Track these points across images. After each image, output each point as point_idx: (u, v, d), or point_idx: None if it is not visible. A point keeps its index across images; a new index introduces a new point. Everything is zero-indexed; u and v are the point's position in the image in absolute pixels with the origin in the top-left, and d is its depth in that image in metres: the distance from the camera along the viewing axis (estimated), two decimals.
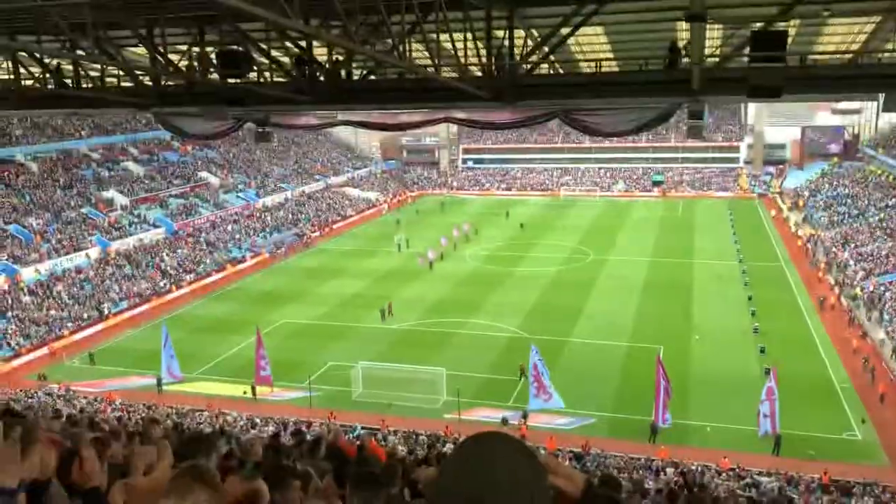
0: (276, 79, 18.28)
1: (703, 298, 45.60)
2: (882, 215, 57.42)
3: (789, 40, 14.01)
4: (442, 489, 1.31)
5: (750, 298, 44.64)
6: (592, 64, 19.11)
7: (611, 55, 20.86)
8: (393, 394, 31.70)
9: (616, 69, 19.62)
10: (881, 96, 15.86)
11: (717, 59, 13.68)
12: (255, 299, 48.45)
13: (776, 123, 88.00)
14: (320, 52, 17.29)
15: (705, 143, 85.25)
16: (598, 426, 29.71)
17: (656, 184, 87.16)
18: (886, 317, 39.57)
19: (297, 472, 4.43)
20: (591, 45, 20.32)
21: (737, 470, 25.27)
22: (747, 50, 11.42)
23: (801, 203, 71.51)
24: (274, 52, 17.76)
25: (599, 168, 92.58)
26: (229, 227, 62.94)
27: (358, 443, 11.36)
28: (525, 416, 29.71)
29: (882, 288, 43.52)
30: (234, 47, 16.03)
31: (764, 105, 76.85)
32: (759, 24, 12.24)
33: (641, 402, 29.05)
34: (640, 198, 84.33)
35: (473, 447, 1.36)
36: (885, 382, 32.45)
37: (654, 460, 25.85)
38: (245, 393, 33.12)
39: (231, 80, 16.21)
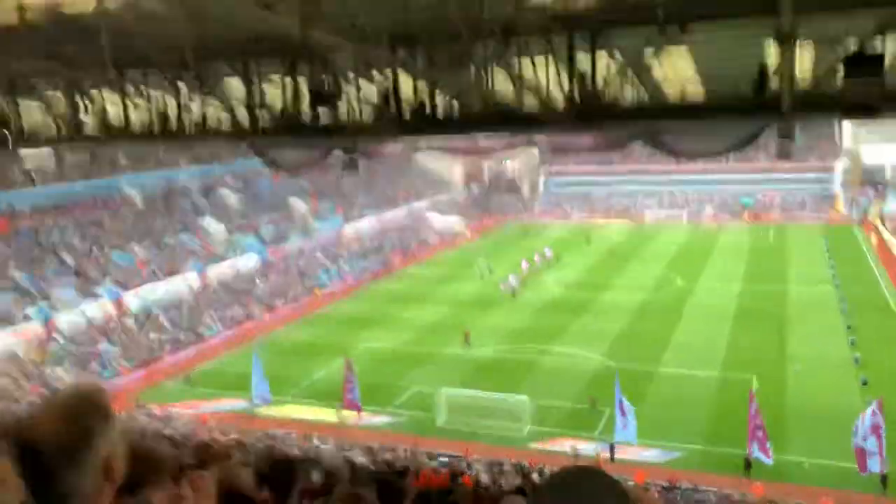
0: (363, 113, 18.89)
1: (797, 328, 43.62)
2: None
3: (887, 62, 13.49)
4: None
5: (849, 328, 42.39)
6: (678, 88, 18.88)
7: (697, 78, 20.53)
8: (476, 421, 31.63)
9: (702, 91, 19.28)
10: None
11: (808, 80, 13.29)
12: (342, 324, 49.47)
13: (874, 142, 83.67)
14: (405, 88, 17.75)
15: (797, 165, 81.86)
16: (688, 460, 28.71)
17: (745, 207, 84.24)
18: None
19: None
20: (676, 70, 20.06)
21: None
22: (840, 71, 11.08)
23: None
24: (363, 87, 18.38)
25: (686, 190, 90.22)
26: (318, 254, 64.67)
27: (444, 471, 11.42)
28: (612, 449, 29.05)
29: None
30: (324, 80, 16.72)
31: (861, 124, 73.33)
32: (853, 42, 11.86)
33: (733, 436, 27.95)
34: (728, 222, 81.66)
35: (565, 480, 1.38)
36: None
37: (746, 496, 24.78)
38: (337, 416, 33.64)
39: (321, 112, 16.90)
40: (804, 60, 16.79)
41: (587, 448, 29.78)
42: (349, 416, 33.45)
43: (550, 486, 1.37)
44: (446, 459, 26.41)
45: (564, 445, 29.78)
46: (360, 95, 17.94)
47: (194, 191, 66.79)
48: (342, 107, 17.60)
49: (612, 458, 28.85)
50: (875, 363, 36.67)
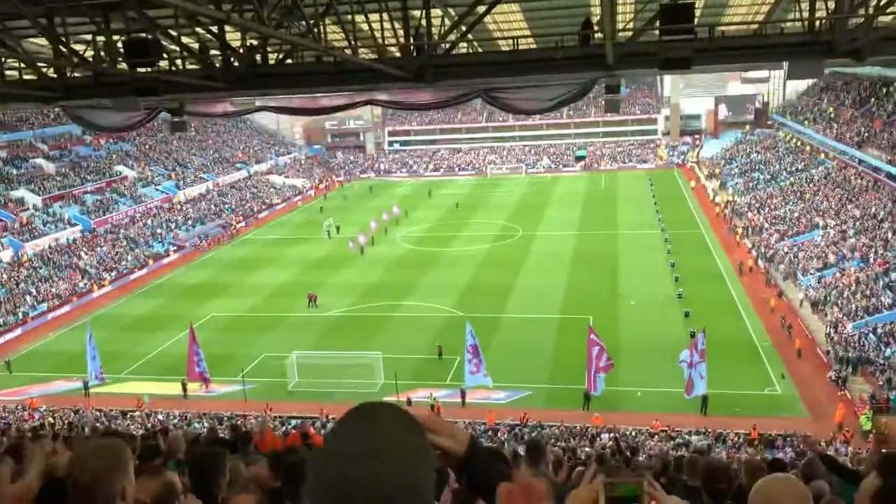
0: (188, 66, 17.71)
1: (628, 268, 46.89)
2: (793, 179, 60.07)
3: (697, 12, 14.44)
4: (321, 461, 1.30)
5: (673, 265, 46.15)
6: (510, 42, 19.21)
7: (528, 33, 21.03)
8: (330, 381, 31.51)
9: (534, 46, 19.78)
10: (786, 65, 16.51)
11: (629, 34, 13.95)
12: (182, 294, 47.21)
13: (691, 95, 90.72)
14: (233, 38, 16.84)
15: (624, 117, 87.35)
16: (534, 398, 30.32)
17: (579, 158, 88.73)
18: (800, 275, 41.58)
19: (220, 463, 4.36)
20: (509, 24, 20.43)
21: (668, 431, 26.26)
22: (658, 24, 11.70)
23: (717, 171, 74.10)
24: (185, 39, 17.20)
25: (524, 146, 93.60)
26: (149, 222, 60.98)
27: (294, 432, 11.26)
28: (463, 394, 30.05)
29: (795, 248, 45.67)
30: (142, 35, 15.45)
31: (679, 77, 79.00)
32: None
33: (575, 373, 29.69)
34: (564, 173, 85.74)
35: (352, 417, 1.35)
36: (802, 339, 34.14)
37: (588, 427, 26.59)
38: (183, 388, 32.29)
39: (140, 70, 15.64)
40: (626, 14, 17.66)
41: (440, 395, 30.62)
42: (193, 388, 32.20)
43: (339, 424, 1.34)
44: (297, 422, 26.12)
45: (418, 395, 30.39)
46: (183, 51, 16.79)
47: (2, 160, 60.42)
48: (164, 64, 16.42)
49: (463, 403, 29.92)
50: (695, 296, 40.21)
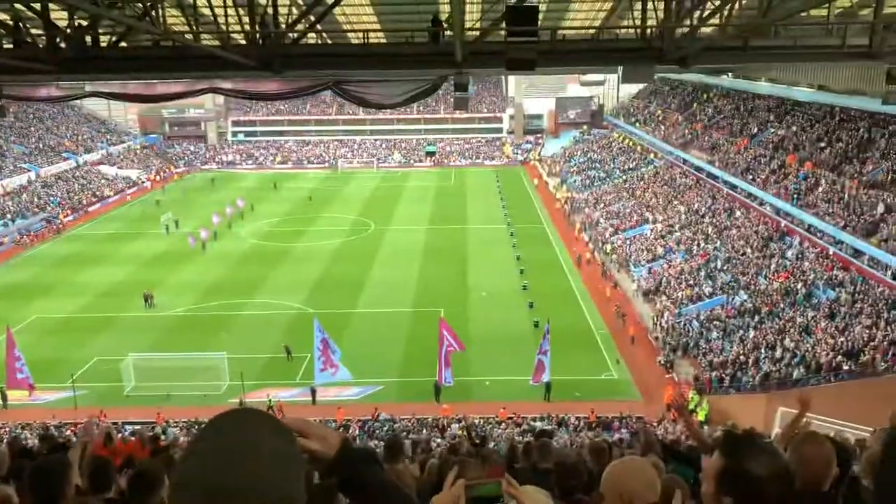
0: (5, 45, 16.08)
1: (477, 261, 48.16)
2: (625, 177, 64.22)
3: (541, 16, 14.99)
4: (186, 469, 1.23)
5: (518, 258, 47.93)
6: (360, 35, 19.07)
7: (378, 27, 20.98)
8: (171, 384, 29.92)
9: (384, 41, 19.76)
10: (620, 69, 17.54)
11: (477, 33, 14.26)
12: (1, 294, 42.95)
13: (534, 95, 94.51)
14: (60, 17, 15.47)
15: (472, 115, 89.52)
16: (386, 392, 30.39)
17: (429, 154, 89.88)
18: (633, 267, 44.59)
19: (64, 473, 4.00)
20: (359, 17, 20.29)
21: (514, 418, 27.25)
22: (504, 24, 12.02)
23: (557, 169, 77.76)
24: (0, 16, 15.63)
25: (375, 140, 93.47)
26: None
27: (132, 439, 10.53)
28: (314, 392, 29.56)
29: (628, 242, 48.91)
30: None
31: (523, 77, 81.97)
32: None
33: (426, 365, 30.07)
34: (415, 168, 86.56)
35: (218, 423, 1.29)
36: (634, 326, 36.63)
37: (439, 419, 27.04)
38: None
39: None
40: (474, 14, 18.04)
41: (288, 395, 29.95)
42: (17, 396, 29.44)
43: (201, 432, 1.29)
44: (135, 428, 24.60)
45: (264, 396, 29.54)
46: (1, 28, 15.22)
47: None
48: None
49: (313, 402, 29.43)
50: (537, 287, 41.98)
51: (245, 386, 29.18)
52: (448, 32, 14.12)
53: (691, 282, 39.36)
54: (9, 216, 57.77)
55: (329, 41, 20.35)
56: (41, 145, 74.25)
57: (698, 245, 43.70)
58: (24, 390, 29.08)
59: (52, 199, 63.93)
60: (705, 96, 64.20)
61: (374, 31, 19.64)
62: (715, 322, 34.34)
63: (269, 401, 28.64)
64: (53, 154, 73.68)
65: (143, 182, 76.60)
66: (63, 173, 70.66)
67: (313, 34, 17.58)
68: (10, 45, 15.72)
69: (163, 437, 21.90)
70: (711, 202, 48.81)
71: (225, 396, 29.61)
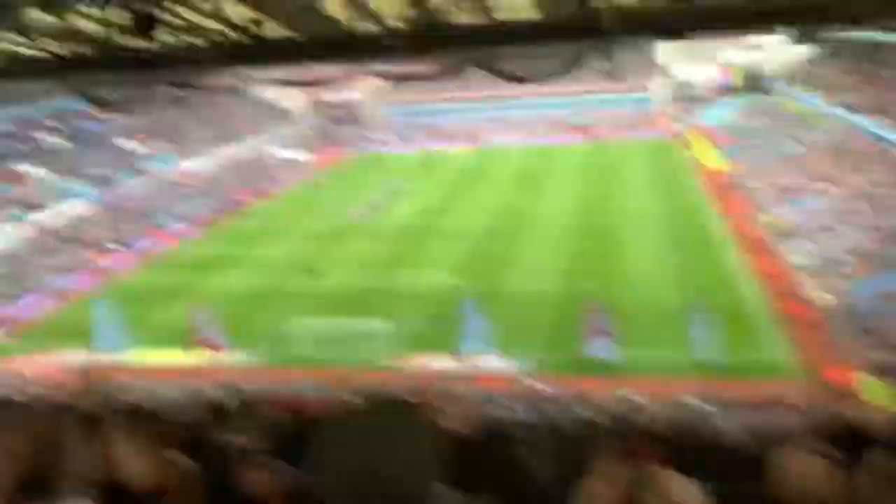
0: (189, 40, 17.89)
1: (630, 238, 47.13)
2: (795, 146, 59.95)
3: None
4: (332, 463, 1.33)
5: (674, 235, 46.38)
6: (510, 12, 19.34)
7: (527, 3, 21.09)
8: (333, 349, 32.05)
9: (531, 16, 19.90)
10: (785, 32, 16.65)
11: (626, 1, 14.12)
12: (188, 267, 47.64)
13: (689, 62, 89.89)
14: (234, 11, 16.97)
15: (620, 85, 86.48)
16: (538, 365, 30.78)
17: (580, 127, 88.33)
18: (802, 242, 41.82)
19: None
20: None
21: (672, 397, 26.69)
22: None
23: (717, 140, 73.84)
24: (186, 14, 17.36)
25: (525, 115, 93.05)
26: (154, 195, 61.21)
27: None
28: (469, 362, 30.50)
29: (799, 216, 45.78)
30: (142, 7, 15.63)
31: (677, 44, 78.32)
32: None
33: (578, 341, 30.09)
34: (565, 143, 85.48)
35: (369, 415, 1.40)
36: (803, 306, 34.47)
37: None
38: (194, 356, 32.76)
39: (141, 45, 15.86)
40: None
41: (443, 363, 31.13)
42: (207, 355, 32.72)
43: (353, 424, 1.37)
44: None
45: (420, 362, 30.89)
46: (182, 24, 16.95)
47: (8, 135, 60.60)
48: (165, 37, 16.60)
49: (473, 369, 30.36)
50: (694, 265, 40.54)
51: (401, 353, 30.68)
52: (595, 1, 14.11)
53: (869, 257, 36.39)
54: (192, 196, 63.54)
55: (478, 21, 20.77)
56: (220, 131, 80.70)
57: (878, 218, 40.21)
58: (213, 350, 32.20)
59: (229, 179, 69.47)
60: (879, 56, 58.37)
61: (523, 6, 19.80)
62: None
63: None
64: (232, 138, 79.83)
65: (308, 163, 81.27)
66: (238, 155, 76.50)
67: (464, 13, 18.07)
68: (194, 40, 17.51)
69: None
70: (894, 173, 44.63)
71: (384, 361, 31.35)
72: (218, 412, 8.95)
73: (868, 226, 39.90)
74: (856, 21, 14.49)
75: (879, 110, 51.23)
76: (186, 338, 33.34)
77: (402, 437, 1.34)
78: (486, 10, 20.81)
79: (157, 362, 33.04)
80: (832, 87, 62.73)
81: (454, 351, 31.88)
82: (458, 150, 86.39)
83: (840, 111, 57.07)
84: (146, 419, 7.77)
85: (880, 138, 49.09)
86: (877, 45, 58.82)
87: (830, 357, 30.12)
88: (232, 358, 33.08)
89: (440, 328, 34.19)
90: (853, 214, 42.14)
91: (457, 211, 57.80)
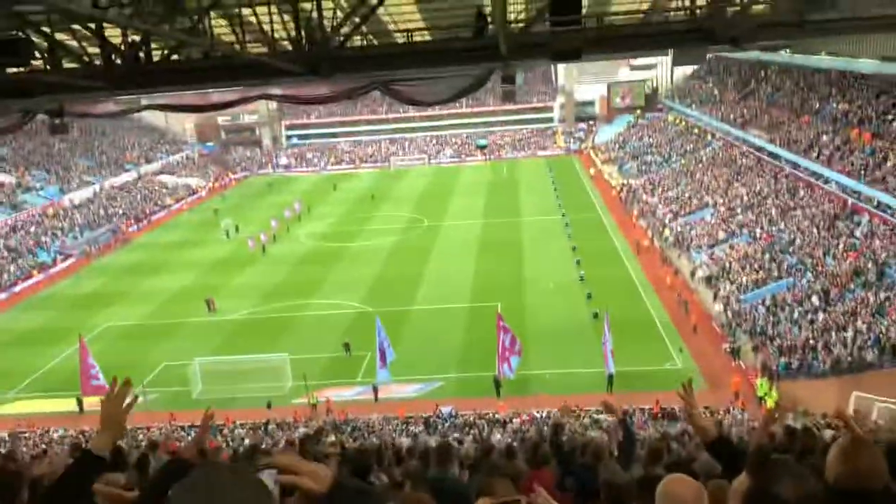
0: (66, 65, 16.60)
1: (532, 253, 47.81)
2: (683, 160, 62.75)
3: (585, 2, 14.65)
4: None
5: (574, 249, 47.35)
6: (405, 35, 19.03)
7: (422, 25, 20.92)
8: (235, 387, 30.60)
9: (428, 38, 19.71)
10: (671, 51, 17.10)
11: (520, 25, 14.07)
12: (72, 305, 44.65)
13: (584, 81, 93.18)
14: (114, 34, 15.88)
15: (521, 106, 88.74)
16: (446, 389, 30.45)
17: (480, 148, 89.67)
18: (694, 253, 43.54)
19: None
20: (403, 16, 20.25)
21: (577, 411, 26.90)
22: (548, 15, 11.80)
23: (611, 156, 76.54)
24: (60, 36, 16.13)
25: (426, 136, 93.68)
26: (32, 230, 57.34)
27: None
28: (376, 390, 29.83)
29: (688, 227, 47.77)
30: (12, 33, 14.39)
31: (572, 64, 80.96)
32: None
33: (485, 361, 29.99)
34: (467, 163, 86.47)
35: (193, 484, 1.23)
36: (697, 314, 35.76)
37: (496, 414, 26.94)
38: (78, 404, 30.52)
39: (11, 70, 14.56)
40: (517, 5, 17.81)
41: (350, 394, 30.33)
42: (91, 402, 30.50)
43: (182, 489, 1.24)
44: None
45: (327, 395, 29.98)
46: (57, 48, 15.72)
47: None
48: (39, 63, 15.33)
49: (375, 399, 29.69)
50: (595, 277, 41.39)
51: (308, 386, 29.64)
52: (492, 26, 13.98)
53: (756, 266, 38.20)
54: (77, 228, 59.97)
55: (375, 42, 20.40)
56: (104, 159, 76.89)
57: (762, 227, 42.38)
58: (101, 396, 30.00)
59: (116, 209, 66.08)
60: (763, 73, 62.21)
61: (419, 29, 19.60)
62: (782, 306, 33.25)
63: (314, 399, 29.07)
64: (116, 166, 76.19)
65: (202, 189, 78.52)
66: (125, 184, 73.02)
67: (359, 36, 17.64)
68: (72, 65, 16.25)
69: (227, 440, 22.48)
70: (774, 182, 47.27)
71: (289, 397, 30.19)
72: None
73: (753, 235, 41.96)
74: (735, 41, 14.97)
75: (758, 125, 54.31)
76: (71, 383, 31.06)
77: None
78: (382, 34, 20.50)
79: (38, 411, 30.57)
80: (717, 103, 66.17)
81: (364, 380, 31.18)
82: (360, 171, 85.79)
83: (724, 126, 60.18)
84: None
85: (760, 150, 52.00)
86: (760, 64, 62.62)
87: (726, 362, 31.29)
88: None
89: (348, 356, 33.39)
90: (740, 225, 44.25)
91: (361, 232, 57.06)
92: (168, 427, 27.27)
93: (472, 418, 26.62)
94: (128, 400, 3.14)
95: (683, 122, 71.76)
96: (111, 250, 57.60)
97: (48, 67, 16.37)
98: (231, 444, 21.93)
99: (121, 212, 65.97)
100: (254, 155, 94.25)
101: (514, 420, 25.66)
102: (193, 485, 1.22)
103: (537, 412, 26.76)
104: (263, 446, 12.85)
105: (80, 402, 30.65)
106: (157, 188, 75.22)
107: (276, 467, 1.60)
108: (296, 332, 37.12)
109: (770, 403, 26.68)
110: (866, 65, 45.33)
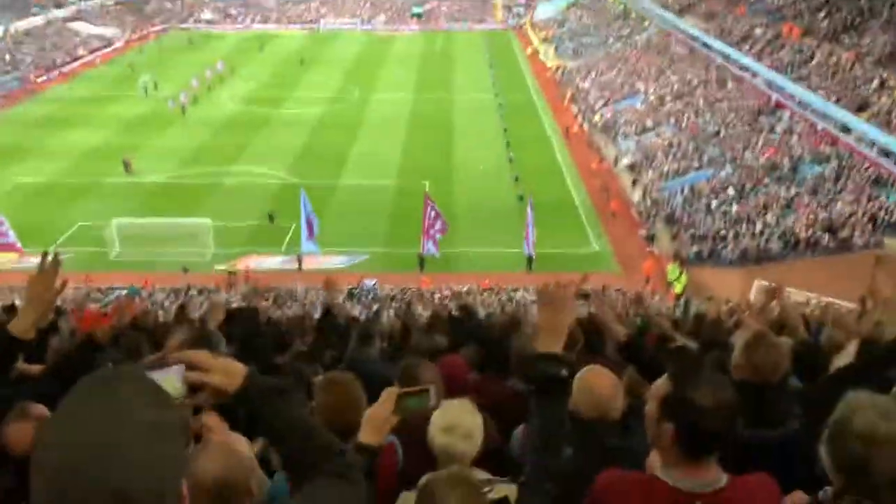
0: None
1: (463, 133, 47.42)
2: (619, 45, 62.27)
3: None
4: (41, 447, 1.08)
5: (505, 130, 47.20)
6: None
7: None
8: (156, 251, 30.02)
9: None
10: None
11: None
12: None
13: None
14: None
15: None
16: (372, 262, 30.73)
17: (416, 16, 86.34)
18: (621, 140, 44.13)
19: None
20: None
21: (495, 289, 27.80)
22: None
23: (549, 34, 75.11)
24: None
25: (360, 0, 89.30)
26: None
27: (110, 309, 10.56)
28: (300, 260, 29.84)
29: (618, 113, 48.11)
30: None
31: None
32: None
33: (411, 236, 30.14)
34: (401, 32, 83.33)
35: (83, 391, 1.13)
36: (617, 200, 36.70)
37: (420, 289, 27.55)
38: None
39: None
40: None
41: (274, 262, 30.27)
42: (5, 259, 29.46)
43: (71, 399, 1.13)
44: (121, 293, 24.92)
45: (249, 263, 29.85)
46: None
47: None
48: None
49: (300, 269, 29.76)
50: (524, 160, 41.65)
51: (229, 254, 29.38)
52: None
53: (679, 155, 39.12)
54: None
55: None
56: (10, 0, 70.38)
57: (688, 118, 43.11)
58: (12, 253, 28.98)
59: (23, 57, 61.38)
60: None
61: None
62: (699, 196, 34.46)
63: (230, 268, 28.87)
64: (22, 8, 69.96)
65: (118, 41, 73.44)
66: (34, 30, 67.48)
67: None
68: None
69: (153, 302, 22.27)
70: (705, 73, 47.70)
71: (210, 264, 29.90)
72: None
73: (680, 125, 42.71)
74: None
75: (695, 13, 54.02)
76: None
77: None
78: None
79: None
80: None
81: (288, 250, 31.07)
82: (289, 31, 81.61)
83: (662, 12, 59.57)
84: None
85: (694, 39, 52.01)
86: None
87: (641, 248, 32.58)
88: (35, 262, 30.04)
89: (271, 228, 33.03)
90: (668, 114, 44.86)
91: (288, 98, 55.05)
92: (84, 288, 26.75)
93: (395, 292, 27.13)
94: (58, 282, 2.91)
95: (622, 5, 70.62)
96: (18, 101, 53.91)
97: None
98: (152, 308, 21.77)
99: (29, 59, 61.29)
100: (174, 7, 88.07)
101: (435, 295, 26.29)
102: (90, 390, 1.12)
103: (459, 287, 27.46)
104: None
105: None
106: (69, 36, 69.84)
107: (185, 363, 1.55)
108: (217, 199, 36.29)
109: (678, 288, 28.15)
110: None
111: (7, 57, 60.17)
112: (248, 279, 28.23)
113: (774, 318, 6.60)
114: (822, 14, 41.12)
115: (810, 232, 28.03)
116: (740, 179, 34.06)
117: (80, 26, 72.92)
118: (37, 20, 69.36)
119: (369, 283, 28.00)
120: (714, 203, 33.41)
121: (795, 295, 20.92)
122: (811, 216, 28.95)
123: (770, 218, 30.33)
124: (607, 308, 4.62)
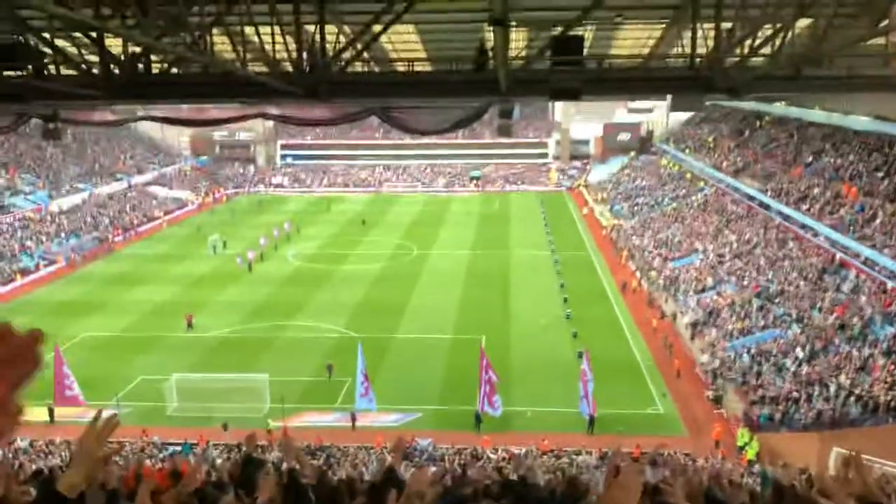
0: (63, 71, 16.50)
1: (519, 288, 47.66)
2: (675, 204, 63.11)
3: (587, 44, 14.79)
4: None
5: (562, 286, 47.29)
6: (406, 64, 19.14)
7: (423, 55, 21.02)
8: (213, 405, 30.07)
9: (429, 69, 19.79)
10: (669, 97, 17.19)
11: (521, 62, 14.11)
12: (51, 312, 43.98)
13: (581, 120, 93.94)
14: (114, 44, 15.82)
15: (517, 140, 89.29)
16: (425, 420, 30.03)
17: (474, 179, 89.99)
18: (681, 297, 43.55)
19: None
20: (405, 45, 20.36)
21: (555, 451, 26.63)
22: (549, 54, 11.84)
23: (603, 195, 76.93)
24: (60, 42, 16.06)
25: (420, 164, 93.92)
26: (18, 234, 56.76)
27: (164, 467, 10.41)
28: (353, 418, 29.41)
29: (676, 271, 47.85)
30: (12, 37, 14.34)
31: (570, 103, 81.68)
32: (559, 28, 12.76)
33: (467, 393, 29.67)
34: (459, 193, 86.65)
35: None
36: (681, 359, 35.64)
37: (476, 449, 26.58)
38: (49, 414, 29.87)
39: (8, 73, 14.44)
40: (519, 42, 17.92)
41: (327, 419, 29.87)
42: (64, 413, 29.88)
43: None
44: (175, 449, 24.74)
45: (304, 420, 29.51)
46: (58, 55, 15.61)
47: None
48: (39, 66, 15.21)
49: (353, 427, 29.25)
50: (581, 316, 41.28)
51: (285, 409, 29.17)
52: (492, 61, 14.01)
53: (742, 314, 38.21)
54: (63, 234, 59.45)
55: (376, 69, 20.44)
56: (96, 166, 76.54)
57: (750, 276, 42.50)
58: (76, 407, 29.37)
59: (104, 218, 65.61)
60: (758, 123, 62.99)
61: (420, 60, 19.68)
62: (766, 356, 33.21)
63: (269, 426, 28.40)
64: (107, 175, 75.82)
65: (193, 203, 78.19)
66: (116, 194, 72.64)
67: (360, 62, 17.65)
68: (69, 72, 16.14)
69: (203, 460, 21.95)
70: (763, 232, 47.54)
71: (266, 419, 29.69)
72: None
73: (741, 283, 42.06)
74: (732, 92, 15.10)
75: (751, 174, 54.80)
76: (46, 392, 30.43)
77: None
78: (384, 61, 20.55)
79: None
80: (711, 150, 66.81)
81: (342, 406, 30.76)
82: (353, 195, 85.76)
83: (716, 172, 60.67)
84: None
85: (750, 198, 52.39)
86: (756, 113, 63.44)
87: (708, 409, 31.11)
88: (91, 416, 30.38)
89: (329, 380, 32.97)
90: (728, 272, 44.38)
91: (349, 257, 56.81)
92: (141, 441, 26.73)
93: (449, 453, 26.25)
94: (111, 446, 2.79)
95: (677, 167, 72.32)
96: (95, 259, 57.04)
97: (46, 73, 16.26)
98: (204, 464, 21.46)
99: (108, 221, 65.50)
100: (247, 172, 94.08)
101: (492, 455, 25.31)
102: None
103: (517, 449, 26.40)
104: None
105: (51, 412, 29.97)
106: (146, 199, 74.84)
107: None
108: (276, 353, 36.69)
109: (750, 454, 26.51)
110: (859, 122, 45.97)
111: (89, 219, 64.38)
112: (286, 435, 27.66)
113: (856, 492, 6.01)
114: (880, 174, 41.17)
115: (891, 396, 26.43)
116: (809, 339, 32.84)
117: (158, 190, 78.21)
118: (119, 185, 74.76)
119: (423, 442, 27.21)
120: (783, 363, 32.10)
121: (877, 466, 19.43)
122: (889, 378, 27.41)
123: (843, 380, 28.83)
124: (678, 489, 4.26)
